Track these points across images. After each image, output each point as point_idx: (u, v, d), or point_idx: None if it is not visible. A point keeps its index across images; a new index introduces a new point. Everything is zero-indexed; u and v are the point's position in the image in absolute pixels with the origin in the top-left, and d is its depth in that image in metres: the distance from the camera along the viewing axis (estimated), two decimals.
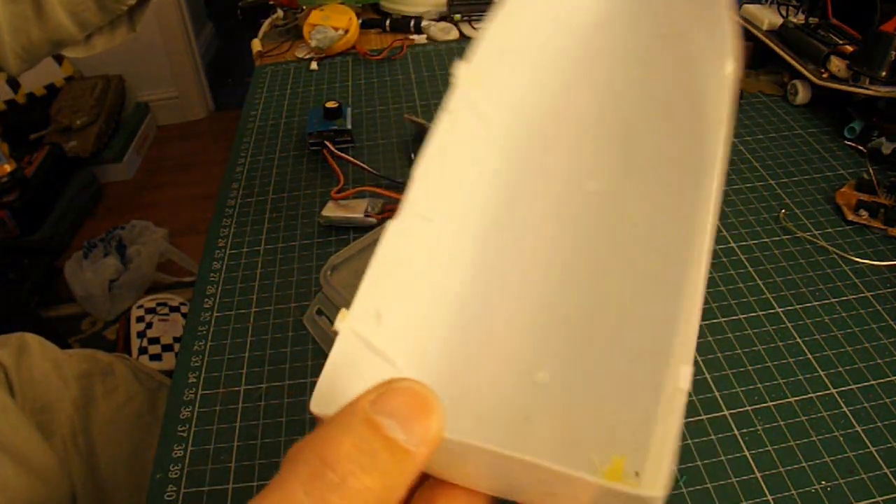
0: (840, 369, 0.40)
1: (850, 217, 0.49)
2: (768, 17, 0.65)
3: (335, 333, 0.20)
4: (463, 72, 0.25)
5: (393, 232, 0.23)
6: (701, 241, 0.19)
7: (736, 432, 0.37)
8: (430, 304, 0.24)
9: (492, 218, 0.28)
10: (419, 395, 0.16)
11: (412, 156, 0.45)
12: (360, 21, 0.84)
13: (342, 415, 0.16)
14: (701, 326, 0.42)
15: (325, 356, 0.28)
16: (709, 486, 0.34)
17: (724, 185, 0.23)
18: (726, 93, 0.22)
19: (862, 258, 0.47)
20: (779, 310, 0.44)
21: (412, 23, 0.84)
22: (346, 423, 0.15)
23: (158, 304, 1.26)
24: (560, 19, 0.29)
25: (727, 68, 0.22)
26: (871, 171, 0.54)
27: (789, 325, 0.43)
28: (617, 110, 0.28)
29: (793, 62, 0.61)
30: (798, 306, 0.44)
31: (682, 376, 0.17)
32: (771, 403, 0.38)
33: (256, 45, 0.86)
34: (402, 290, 0.23)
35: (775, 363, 0.40)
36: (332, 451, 0.15)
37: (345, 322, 0.21)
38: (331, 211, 0.54)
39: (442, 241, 0.25)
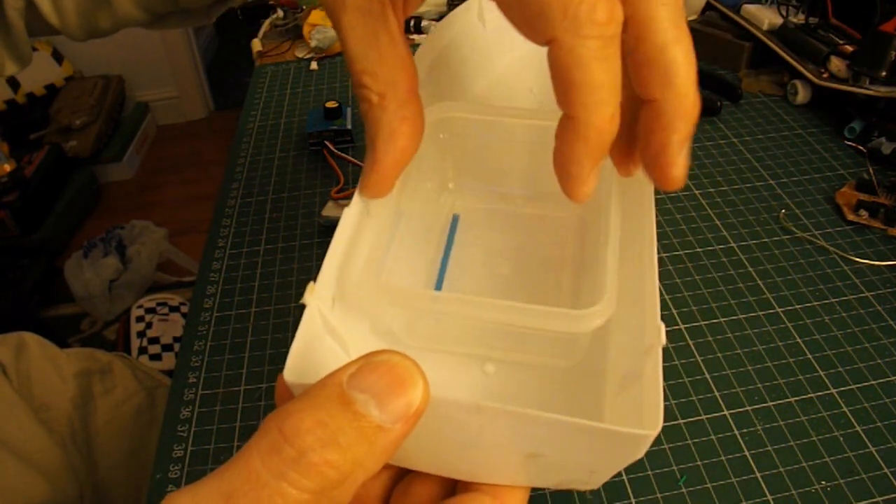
0: (840, 369, 0.40)
1: (850, 217, 0.49)
2: (768, 17, 0.65)
3: (302, 307, 0.21)
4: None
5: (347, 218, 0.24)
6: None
7: (736, 432, 0.37)
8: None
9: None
10: (398, 368, 0.15)
11: None
12: None
13: (316, 387, 0.15)
14: (701, 326, 0.42)
15: None
16: (709, 486, 0.34)
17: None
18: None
19: (862, 258, 0.47)
20: (779, 310, 0.44)
21: (412, 23, 0.84)
22: (317, 395, 0.15)
23: (158, 304, 1.26)
24: None
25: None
26: (871, 171, 0.54)
27: (789, 325, 0.43)
28: None
29: (793, 62, 0.61)
30: (798, 306, 0.44)
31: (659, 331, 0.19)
32: (771, 403, 0.38)
33: (256, 45, 0.86)
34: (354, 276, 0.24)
35: (775, 363, 0.40)
36: (292, 425, 0.14)
37: (312, 297, 0.21)
38: (331, 211, 0.54)
39: (385, 237, 0.26)
